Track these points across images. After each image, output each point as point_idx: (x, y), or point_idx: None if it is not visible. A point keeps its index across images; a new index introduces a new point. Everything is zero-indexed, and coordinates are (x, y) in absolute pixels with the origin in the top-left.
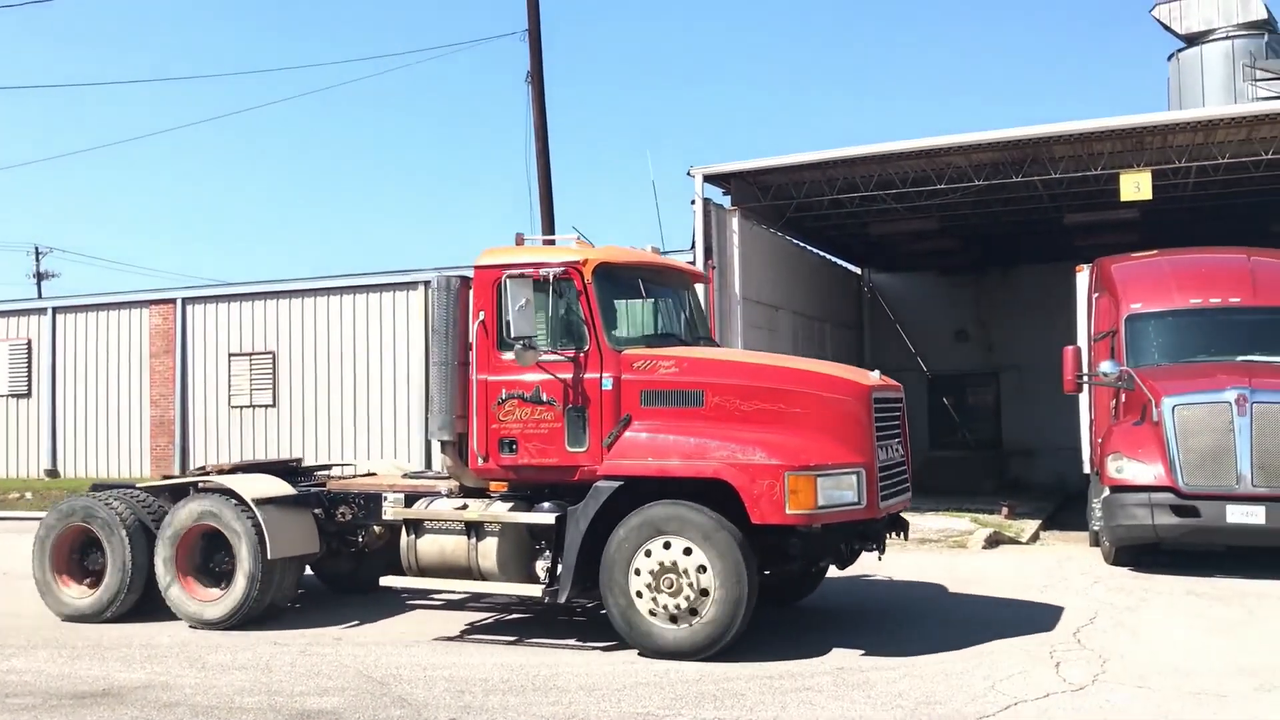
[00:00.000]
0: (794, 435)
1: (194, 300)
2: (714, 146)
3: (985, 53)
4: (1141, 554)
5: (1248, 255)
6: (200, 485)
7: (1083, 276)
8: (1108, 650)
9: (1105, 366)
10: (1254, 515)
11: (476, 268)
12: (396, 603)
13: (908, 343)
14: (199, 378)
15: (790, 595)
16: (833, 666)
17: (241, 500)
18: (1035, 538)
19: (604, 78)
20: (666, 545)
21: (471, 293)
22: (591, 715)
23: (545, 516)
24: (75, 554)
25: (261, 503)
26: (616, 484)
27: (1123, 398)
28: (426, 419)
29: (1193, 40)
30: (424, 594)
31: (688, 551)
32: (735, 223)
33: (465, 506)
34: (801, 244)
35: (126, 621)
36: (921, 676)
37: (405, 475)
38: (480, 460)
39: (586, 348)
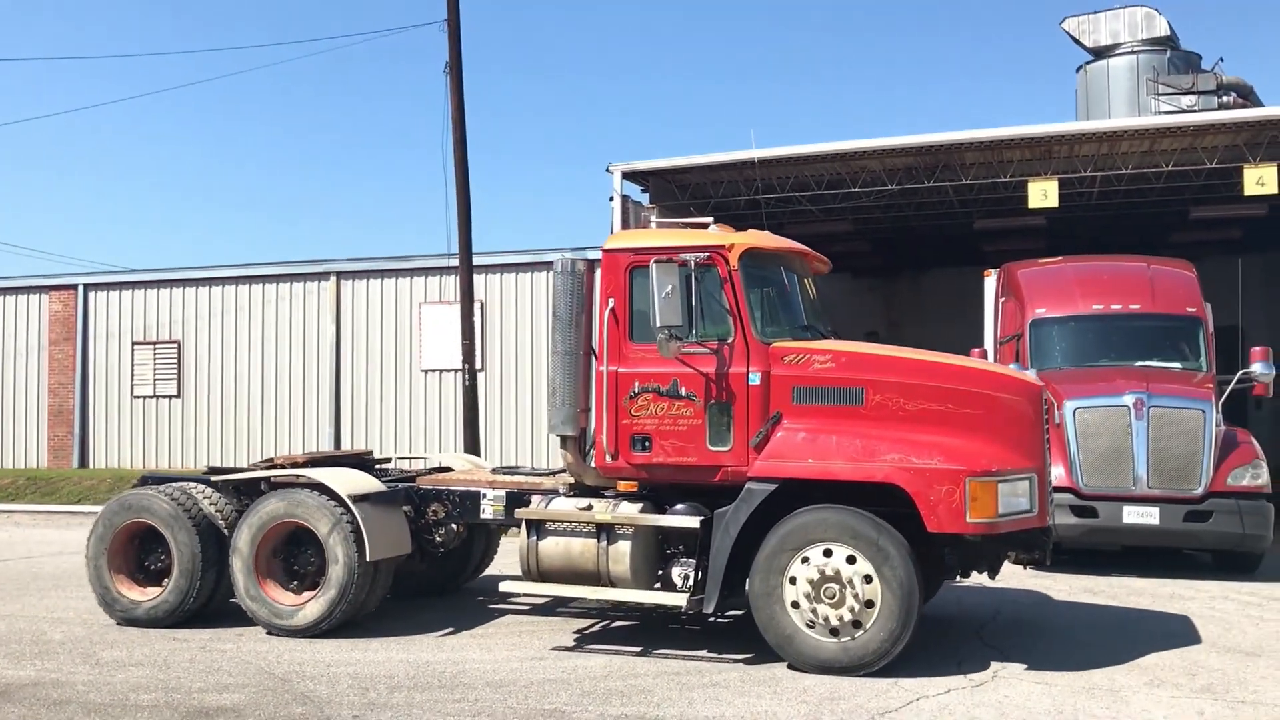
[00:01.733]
0: (967, 438)
1: (96, 286)
2: (634, 144)
3: (898, 58)
4: None
5: (1148, 264)
6: (277, 479)
7: (990, 281)
8: (1008, 647)
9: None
10: (1149, 516)
11: (605, 251)
12: (476, 607)
13: None
14: (100, 366)
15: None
16: (740, 663)
17: (334, 496)
18: None
19: (523, 72)
20: (827, 553)
21: (599, 278)
22: (499, 712)
23: (688, 520)
24: (133, 553)
25: (357, 499)
26: (772, 486)
27: None
28: (549, 412)
29: (1100, 54)
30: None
31: (851, 560)
32: (653, 220)
33: (590, 507)
34: None
35: (189, 627)
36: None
37: (494, 470)
38: (608, 458)
39: (731, 339)
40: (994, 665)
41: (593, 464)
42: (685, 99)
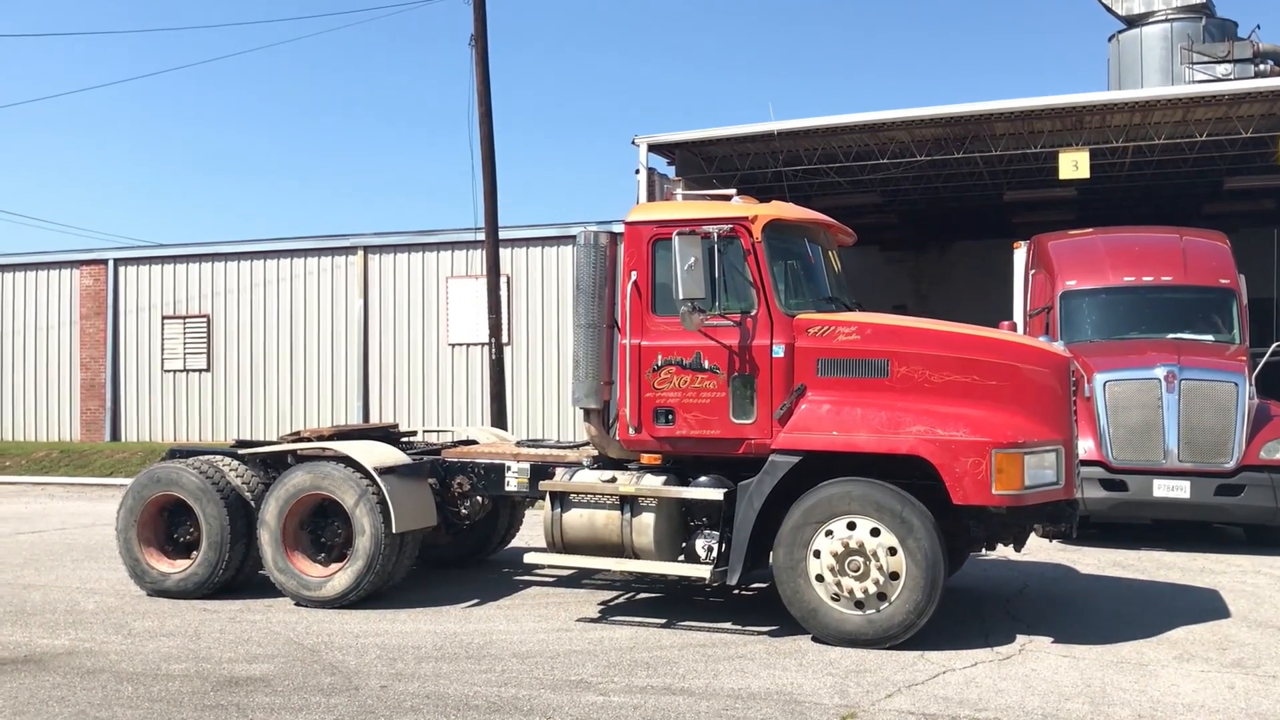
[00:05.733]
0: (992, 410)
1: (126, 261)
2: (661, 117)
3: (927, 28)
4: None
5: (1180, 235)
6: (303, 452)
7: (1020, 253)
8: (1035, 620)
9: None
10: (1179, 490)
11: (628, 224)
12: (502, 579)
13: None
14: (130, 341)
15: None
16: (765, 635)
17: (360, 468)
18: None
19: (550, 44)
20: (850, 526)
21: (621, 251)
22: (525, 683)
23: (712, 492)
24: (162, 525)
25: (383, 472)
26: (796, 459)
27: None
28: (572, 385)
29: (1133, 22)
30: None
31: (875, 533)
32: (679, 193)
33: (614, 479)
34: None
35: (219, 598)
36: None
37: (519, 444)
38: (631, 430)
39: (754, 311)
40: (1021, 638)
41: (616, 437)
42: (713, 69)
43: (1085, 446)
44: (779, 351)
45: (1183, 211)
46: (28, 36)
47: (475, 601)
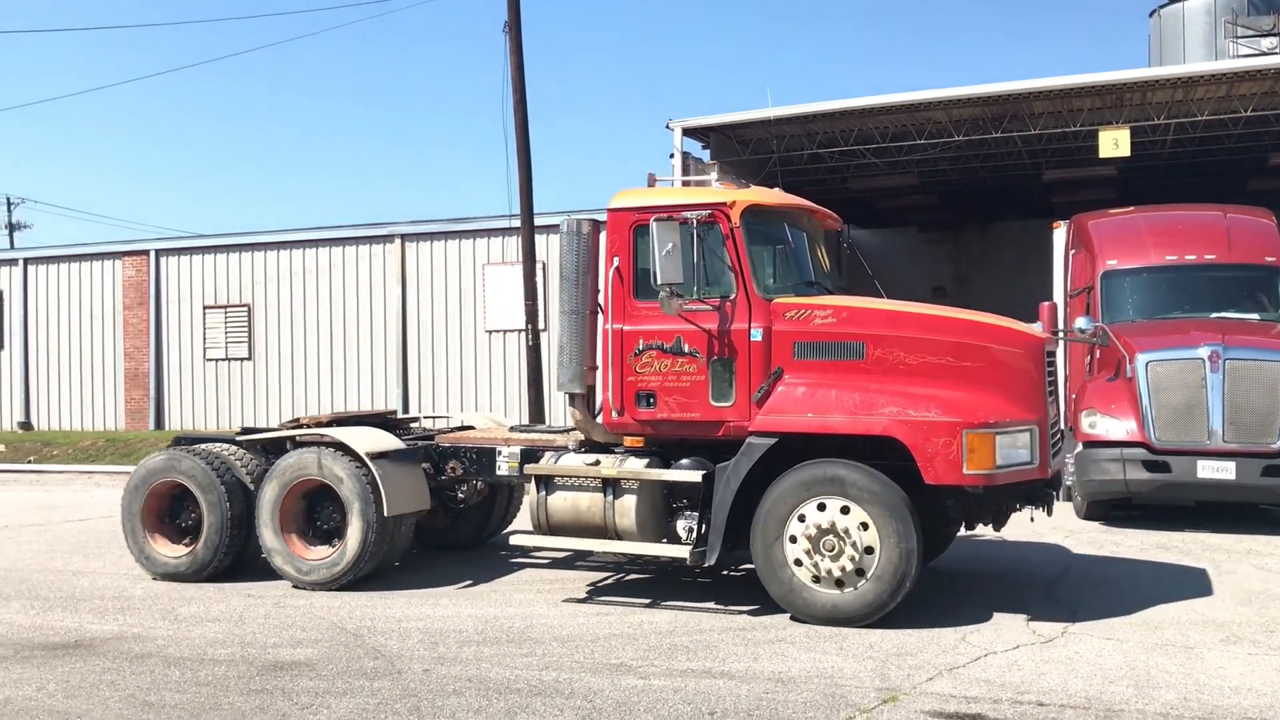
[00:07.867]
0: (965, 390)
1: (168, 252)
2: (695, 100)
3: (969, 6)
4: (1113, 509)
5: (1224, 213)
6: (301, 439)
7: (1060, 233)
8: (1078, 603)
9: (1081, 323)
10: (1224, 471)
11: (610, 210)
12: (498, 561)
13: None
14: (173, 330)
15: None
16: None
17: (353, 454)
18: None
19: (587, 26)
20: (824, 506)
21: (604, 237)
22: (566, 666)
23: (691, 474)
24: (166, 511)
25: (375, 457)
26: (772, 440)
27: (1097, 354)
28: (557, 370)
29: None
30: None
31: (849, 512)
32: (714, 177)
33: (598, 462)
34: None
35: (218, 581)
36: (893, 629)
37: (512, 429)
38: (614, 414)
39: (733, 296)
40: (1064, 622)
41: (600, 421)
42: (751, 52)
43: (1128, 427)
44: (757, 335)
45: (1226, 188)
46: (64, 31)
47: (515, 585)
